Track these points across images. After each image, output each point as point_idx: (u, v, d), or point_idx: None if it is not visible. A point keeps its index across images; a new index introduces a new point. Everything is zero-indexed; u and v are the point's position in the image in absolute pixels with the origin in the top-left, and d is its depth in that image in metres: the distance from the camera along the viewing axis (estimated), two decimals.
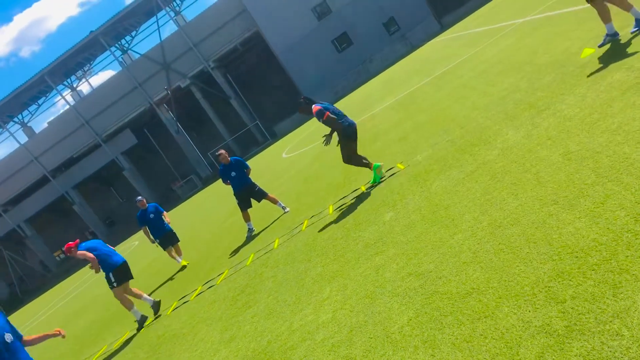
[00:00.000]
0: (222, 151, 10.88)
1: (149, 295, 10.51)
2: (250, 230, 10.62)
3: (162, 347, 6.93)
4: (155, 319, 8.92)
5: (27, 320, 28.26)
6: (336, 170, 11.39)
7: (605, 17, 7.15)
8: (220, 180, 37.34)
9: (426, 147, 8.34)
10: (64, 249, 8.75)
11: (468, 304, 3.45)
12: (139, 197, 12.14)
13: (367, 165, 8.15)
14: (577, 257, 3.22)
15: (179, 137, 53.17)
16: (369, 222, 6.48)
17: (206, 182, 50.92)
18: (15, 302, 54.97)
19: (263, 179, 18.01)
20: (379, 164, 8.08)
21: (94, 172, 55.93)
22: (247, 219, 10.67)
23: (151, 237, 12.25)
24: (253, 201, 10.81)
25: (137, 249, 27.52)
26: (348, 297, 4.71)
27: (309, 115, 8.32)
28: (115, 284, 8.82)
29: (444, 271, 4.08)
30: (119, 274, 8.86)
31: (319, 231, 7.53)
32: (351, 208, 7.63)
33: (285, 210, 10.48)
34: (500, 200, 4.72)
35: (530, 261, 3.49)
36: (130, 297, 9.05)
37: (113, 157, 54.26)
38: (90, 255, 8.52)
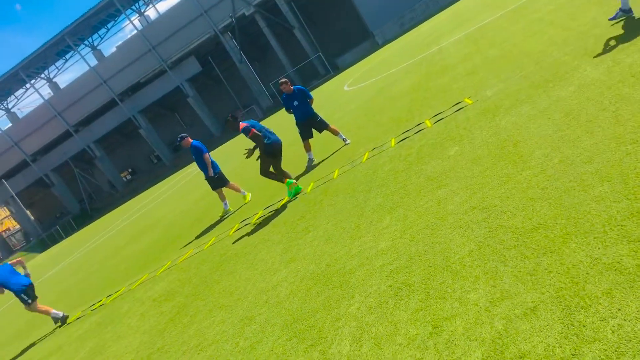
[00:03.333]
0: (286, 80, 10.86)
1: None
2: (310, 160, 10.71)
3: (224, 265, 7.25)
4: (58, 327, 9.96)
5: (96, 234, 30.06)
6: (399, 104, 11.20)
7: None
8: (281, 111, 37.61)
9: (496, 82, 8.04)
10: None
11: (533, 238, 3.40)
12: (183, 134, 11.52)
13: (282, 181, 8.79)
14: None
15: (242, 67, 53.35)
16: (432, 156, 6.40)
17: (267, 112, 51.28)
18: (85, 217, 58.46)
19: (324, 110, 17.96)
20: (291, 181, 8.68)
21: (159, 98, 57.28)
22: (307, 148, 10.73)
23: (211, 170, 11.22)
24: (314, 132, 10.84)
25: (199, 173, 28.38)
26: (408, 227, 4.73)
27: (235, 131, 8.72)
28: (30, 301, 9.88)
29: (509, 206, 4.01)
30: (30, 293, 9.93)
31: (380, 164, 7.51)
32: (414, 142, 7.54)
33: (346, 142, 10.47)
34: (574, 137, 4.53)
35: (602, 199, 3.37)
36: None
37: (178, 83, 55.25)
38: None
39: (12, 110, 65.55)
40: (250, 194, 11.30)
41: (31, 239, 64.53)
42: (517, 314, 2.80)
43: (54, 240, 55.75)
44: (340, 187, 7.61)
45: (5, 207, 70.44)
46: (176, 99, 61.36)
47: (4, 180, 59.76)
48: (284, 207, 8.48)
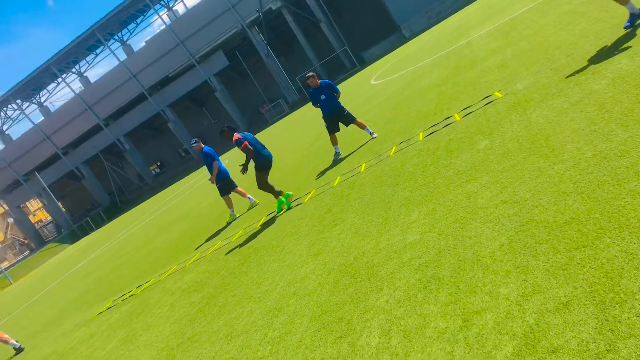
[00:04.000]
0: (313, 73, 10.88)
1: None
2: (337, 154, 10.71)
3: (252, 257, 7.31)
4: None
5: (126, 226, 30.56)
6: (427, 97, 11.12)
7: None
8: (307, 106, 37.66)
9: (527, 76, 7.92)
10: None
11: (566, 233, 3.35)
12: (194, 139, 11.64)
13: (277, 193, 9.06)
14: None
15: (269, 61, 53.52)
16: (461, 150, 6.34)
17: (293, 107, 51.38)
18: (115, 209, 59.45)
19: (351, 104, 17.92)
20: (289, 193, 9.10)
21: (187, 92, 57.82)
22: (334, 142, 10.73)
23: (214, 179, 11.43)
24: (341, 125, 10.83)
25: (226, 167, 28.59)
26: (437, 220, 4.71)
27: (229, 141, 9.06)
28: None
29: (541, 200, 3.96)
30: None
31: (408, 157, 7.48)
32: (443, 136, 7.48)
33: (373, 136, 10.45)
34: (607, 131, 4.45)
35: (638, 194, 3.30)
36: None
37: (206, 78, 55.70)
38: None
39: (44, 104, 66.91)
40: (258, 200, 11.37)
41: (62, 230, 65.93)
42: (549, 309, 2.77)
43: (84, 231, 56.85)
44: (367, 180, 7.60)
45: (38, 199, 72.03)
46: (204, 93, 61.90)
47: (36, 173, 61.07)
48: (304, 203, 8.51)
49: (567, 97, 5.95)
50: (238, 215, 11.30)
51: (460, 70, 12.00)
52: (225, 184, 11.41)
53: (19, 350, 10.49)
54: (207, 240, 10.61)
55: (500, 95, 7.73)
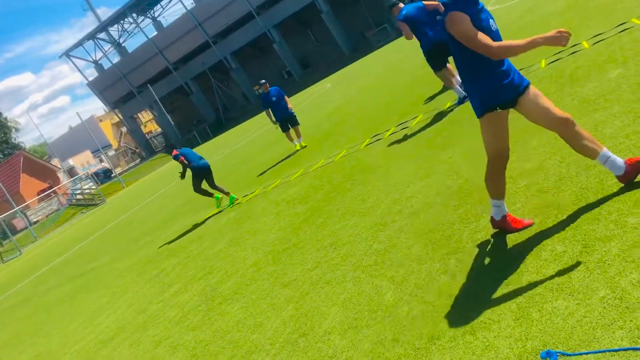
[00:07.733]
0: None
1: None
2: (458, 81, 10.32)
3: (356, 175, 7.41)
4: None
5: (230, 141, 31.80)
6: (552, 24, 10.36)
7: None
8: None
9: None
10: None
11: None
12: (262, 81, 12.82)
13: (211, 195, 10.91)
14: None
15: None
16: (588, 78, 5.93)
17: (400, 32, 49.78)
18: (220, 126, 61.89)
19: None
20: (218, 196, 10.84)
21: (293, 12, 57.49)
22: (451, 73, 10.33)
23: (273, 118, 12.99)
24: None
25: (329, 90, 28.66)
26: (559, 148, 4.50)
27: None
28: None
29: None
30: None
31: None
32: (568, 64, 7.01)
33: None
34: None
35: None
36: None
37: None
38: None
39: (158, 19, 69.28)
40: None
41: (171, 141, 69.81)
42: None
43: (191, 145, 59.77)
44: None
45: (149, 111, 76.25)
46: (310, 14, 61.17)
47: (149, 85, 64.30)
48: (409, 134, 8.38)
49: None
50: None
51: None
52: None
53: None
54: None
55: (638, 22, 7.04)
